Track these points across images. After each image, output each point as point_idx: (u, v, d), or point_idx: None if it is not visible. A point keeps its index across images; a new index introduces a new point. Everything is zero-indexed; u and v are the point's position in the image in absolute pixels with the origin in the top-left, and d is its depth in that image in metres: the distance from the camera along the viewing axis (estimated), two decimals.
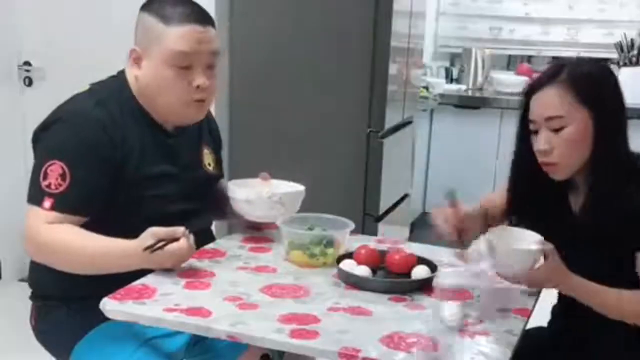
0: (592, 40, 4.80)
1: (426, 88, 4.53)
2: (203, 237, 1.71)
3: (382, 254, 1.62)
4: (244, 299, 1.42)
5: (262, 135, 3.16)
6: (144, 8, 1.62)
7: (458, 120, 4.63)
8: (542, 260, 1.42)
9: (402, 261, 1.58)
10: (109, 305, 1.38)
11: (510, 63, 5.17)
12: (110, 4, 3.16)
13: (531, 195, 1.61)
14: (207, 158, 1.81)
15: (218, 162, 1.88)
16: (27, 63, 3.42)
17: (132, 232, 1.48)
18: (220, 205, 1.83)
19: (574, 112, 1.47)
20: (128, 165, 1.58)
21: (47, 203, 1.50)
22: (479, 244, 1.43)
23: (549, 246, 1.42)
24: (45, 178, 1.50)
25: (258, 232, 1.84)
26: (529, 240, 1.47)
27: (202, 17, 1.60)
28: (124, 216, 1.55)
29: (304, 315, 1.36)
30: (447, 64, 5.14)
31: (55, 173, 1.50)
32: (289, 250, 1.66)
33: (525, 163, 1.58)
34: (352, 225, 1.71)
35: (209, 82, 1.60)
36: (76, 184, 1.51)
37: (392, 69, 3.06)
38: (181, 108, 1.61)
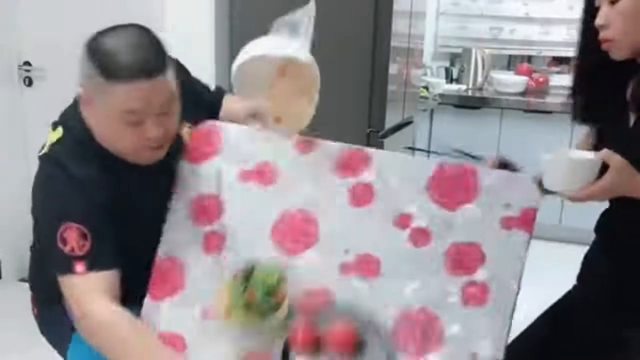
0: None
1: (426, 88, 4.54)
2: None
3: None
4: None
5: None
6: (86, 46, 1.44)
7: (458, 120, 4.63)
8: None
9: (343, 339, 1.31)
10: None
11: (510, 63, 5.17)
12: (110, 4, 3.17)
13: (596, 81, 1.50)
14: (187, 140, 1.66)
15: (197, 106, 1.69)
16: (27, 63, 3.42)
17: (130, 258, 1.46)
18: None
19: None
20: (122, 205, 1.50)
21: (80, 267, 1.42)
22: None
23: (607, 151, 1.30)
24: (65, 244, 1.43)
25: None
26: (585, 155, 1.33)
27: (147, 68, 1.39)
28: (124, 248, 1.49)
29: None
30: (447, 64, 5.14)
31: (73, 236, 1.43)
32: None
33: (589, 45, 1.48)
34: None
35: (162, 130, 1.46)
36: (98, 239, 1.44)
37: (392, 69, 3.06)
38: (135, 155, 1.50)
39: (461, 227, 1.30)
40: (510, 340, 1.34)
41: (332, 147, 1.43)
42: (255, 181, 1.43)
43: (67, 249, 1.42)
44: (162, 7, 3.13)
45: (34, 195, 1.51)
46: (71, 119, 1.54)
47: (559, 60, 4.99)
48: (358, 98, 3.02)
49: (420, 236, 1.33)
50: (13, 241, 3.44)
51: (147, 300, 1.45)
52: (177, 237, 1.46)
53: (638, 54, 1.43)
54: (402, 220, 1.34)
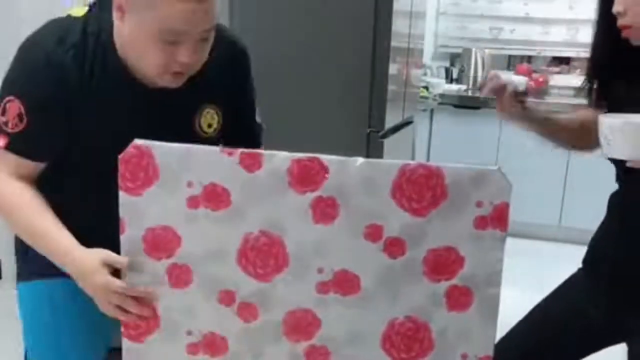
0: None
1: (426, 88, 4.55)
2: None
3: None
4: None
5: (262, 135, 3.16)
6: None
7: (458, 120, 4.63)
8: None
9: None
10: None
11: (510, 63, 5.18)
12: None
13: (615, 70, 1.51)
14: (208, 119, 1.58)
15: (237, 114, 1.67)
16: None
17: (85, 185, 1.45)
18: None
19: None
20: (90, 116, 1.43)
21: (2, 141, 1.41)
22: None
23: None
24: (3, 114, 1.40)
25: None
26: None
27: None
28: (80, 166, 1.46)
29: None
30: (447, 64, 5.15)
31: (13, 112, 1.39)
32: None
33: (606, 32, 1.49)
34: None
35: (196, 57, 1.37)
36: (33, 126, 1.40)
37: (392, 69, 3.06)
38: (156, 76, 1.40)
39: (435, 233, 1.26)
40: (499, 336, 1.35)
41: (281, 160, 1.34)
42: (206, 207, 1.30)
43: (2, 120, 1.40)
44: None
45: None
46: (104, 20, 1.44)
47: (559, 60, 4.99)
48: (358, 98, 3.02)
49: (395, 246, 1.27)
50: (13, 241, 3.43)
51: (126, 342, 1.38)
52: (138, 272, 1.34)
53: None
54: (373, 232, 1.27)
